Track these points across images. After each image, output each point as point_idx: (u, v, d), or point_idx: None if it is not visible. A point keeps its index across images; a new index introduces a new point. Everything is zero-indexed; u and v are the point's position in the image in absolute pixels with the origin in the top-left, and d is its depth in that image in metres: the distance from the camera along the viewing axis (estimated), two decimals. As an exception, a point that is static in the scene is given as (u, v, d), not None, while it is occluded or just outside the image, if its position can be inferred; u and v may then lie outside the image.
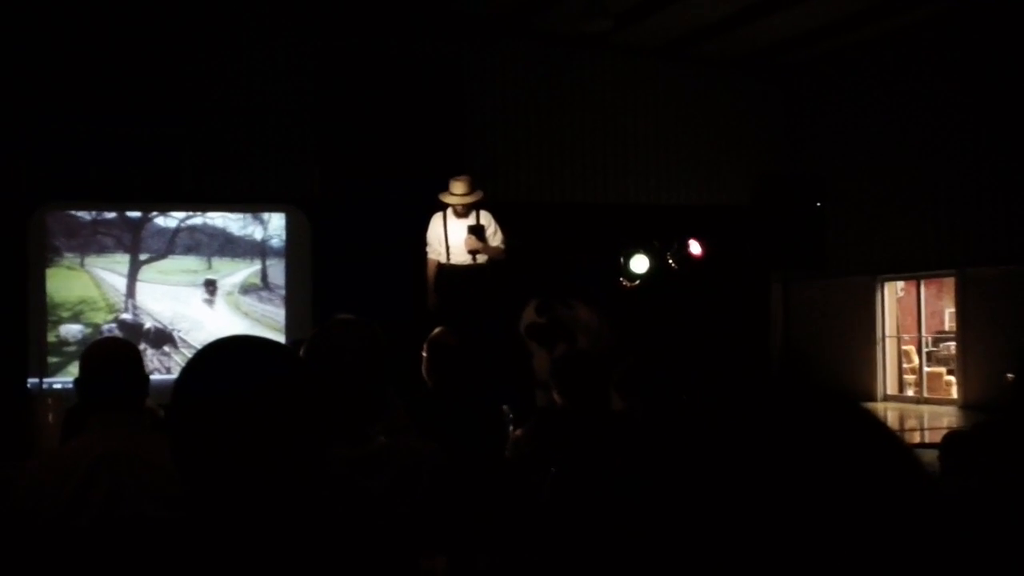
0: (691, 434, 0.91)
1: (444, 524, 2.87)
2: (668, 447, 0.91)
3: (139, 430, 2.89)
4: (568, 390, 4.70)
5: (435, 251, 8.96)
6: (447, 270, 8.91)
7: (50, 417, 8.10)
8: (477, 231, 8.76)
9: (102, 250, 10.81)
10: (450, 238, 8.89)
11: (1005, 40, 13.95)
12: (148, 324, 10.79)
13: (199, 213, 11.04)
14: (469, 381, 5.58)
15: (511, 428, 5.61)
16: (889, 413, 14.91)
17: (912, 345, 16.88)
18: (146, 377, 3.01)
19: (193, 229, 11.01)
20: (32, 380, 10.04)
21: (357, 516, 2.17)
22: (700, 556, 0.83)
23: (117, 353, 2.97)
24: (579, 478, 4.20)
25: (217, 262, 10.97)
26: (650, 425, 4.93)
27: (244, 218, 11.07)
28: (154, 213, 10.98)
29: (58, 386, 9.91)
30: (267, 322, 10.84)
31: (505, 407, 6.09)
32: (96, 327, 10.60)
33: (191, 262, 10.96)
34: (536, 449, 4.58)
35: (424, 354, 5.38)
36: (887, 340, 16.47)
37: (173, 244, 10.95)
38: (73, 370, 10.28)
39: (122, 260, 10.83)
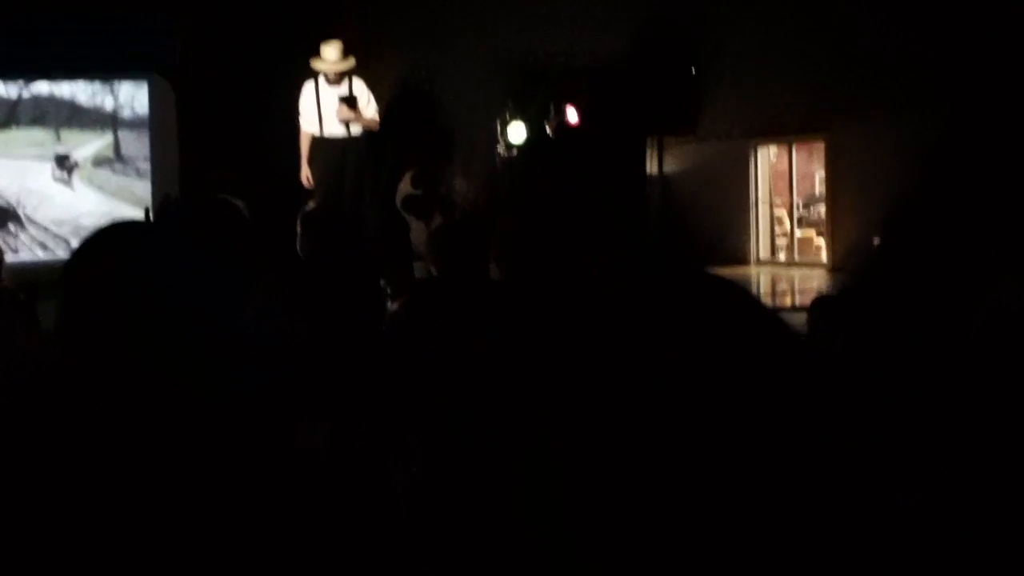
0: (570, 308, 0.89)
1: (321, 399, 2.86)
2: (547, 319, 0.90)
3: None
4: (445, 262, 4.66)
5: (308, 121, 8.75)
6: (320, 141, 8.73)
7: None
8: (349, 100, 8.57)
9: None
10: (323, 107, 8.68)
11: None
12: (-13, 201, 10.18)
13: (43, 81, 10.39)
14: (345, 255, 5.51)
15: (389, 301, 5.59)
16: (762, 277, 15.31)
17: (784, 209, 17.28)
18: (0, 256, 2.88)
19: (37, 98, 10.38)
20: None
21: (226, 394, 2.13)
22: (576, 423, 0.82)
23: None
24: (457, 349, 4.20)
25: (66, 134, 10.40)
26: (529, 294, 4.95)
27: (92, 86, 10.51)
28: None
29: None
30: (123, 195, 10.42)
31: (383, 280, 6.05)
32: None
33: (37, 134, 10.34)
34: (414, 321, 4.56)
35: (298, 229, 5.28)
36: (760, 205, 16.82)
37: (16, 114, 10.32)
38: None
39: None
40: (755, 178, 16.82)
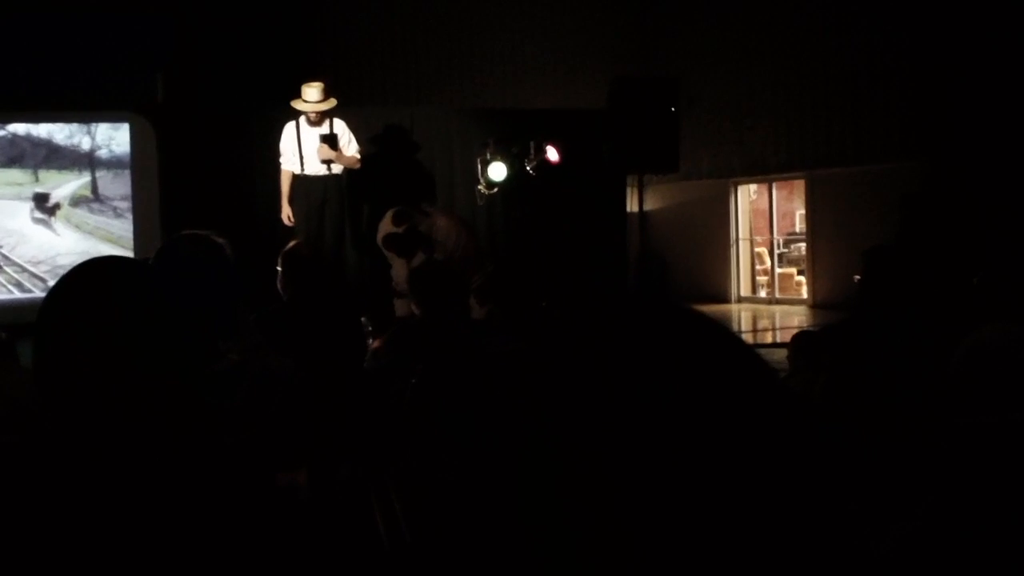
0: (548, 348, 0.89)
1: (303, 438, 2.84)
2: (527, 356, 0.90)
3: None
4: (426, 299, 4.67)
5: (289, 161, 8.76)
6: (301, 180, 8.73)
7: None
8: (330, 140, 8.58)
9: None
10: (304, 147, 8.69)
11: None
12: (-37, 242, 10.12)
13: (21, 122, 10.38)
14: (326, 293, 5.50)
15: (370, 339, 5.57)
16: (743, 314, 15.35)
17: (764, 247, 17.33)
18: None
19: (15, 138, 10.38)
20: None
21: (209, 435, 2.11)
22: (555, 461, 0.82)
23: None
24: (438, 387, 4.19)
25: (44, 174, 10.39)
26: (509, 332, 4.95)
27: (69, 127, 10.52)
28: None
29: None
30: (101, 235, 10.40)
31: (364, 318, 6.04)
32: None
33: (15, 174, 10.34)
34: (395, 359, 4.55)
35: (279, 267, 5.26)
36: (740, 243, 16.88)
37: (-6, 154, 10.32)
38: None
39: None
40: (735, 216, 16.91)
